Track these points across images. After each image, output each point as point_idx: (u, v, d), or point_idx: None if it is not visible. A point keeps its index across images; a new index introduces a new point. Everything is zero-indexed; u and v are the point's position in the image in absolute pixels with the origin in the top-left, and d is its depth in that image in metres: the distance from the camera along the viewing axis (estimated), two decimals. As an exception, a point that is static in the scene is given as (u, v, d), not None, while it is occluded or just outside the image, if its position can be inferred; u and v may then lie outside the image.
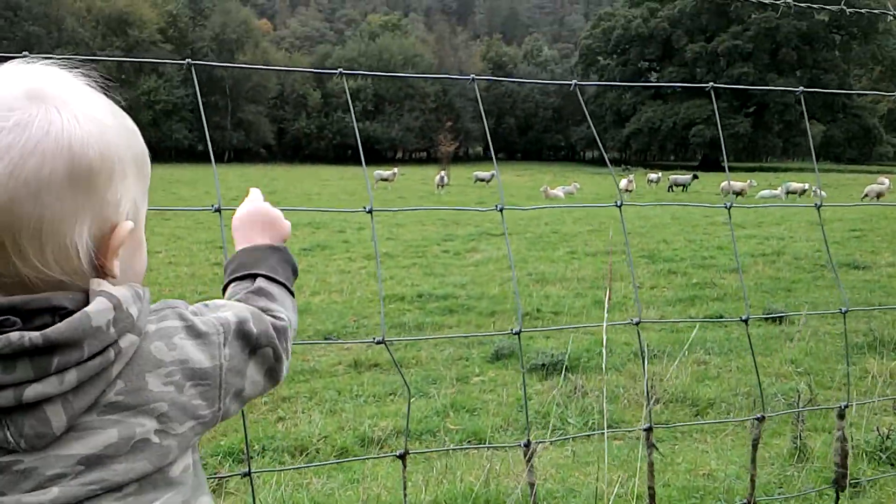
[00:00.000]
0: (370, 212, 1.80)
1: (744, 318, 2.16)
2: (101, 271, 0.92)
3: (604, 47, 78.90)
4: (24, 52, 0.98)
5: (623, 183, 31.85)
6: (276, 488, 3.67)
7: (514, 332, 1.91)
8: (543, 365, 6.28)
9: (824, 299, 9.56)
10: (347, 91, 1.88)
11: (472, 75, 1.92)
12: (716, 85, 2.21)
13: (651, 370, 6.03)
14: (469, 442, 4.75)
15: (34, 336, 0.81)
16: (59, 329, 0.83)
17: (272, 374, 1.12)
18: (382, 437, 4.74)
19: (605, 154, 2.46)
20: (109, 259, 0.92)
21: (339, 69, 1.76)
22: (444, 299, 9.28)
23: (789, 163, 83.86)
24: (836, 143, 76.33)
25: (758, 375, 2.39)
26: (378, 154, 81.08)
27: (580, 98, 2.13)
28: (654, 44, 75.36)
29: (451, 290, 9.76)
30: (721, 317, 8.39)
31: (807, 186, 30.32)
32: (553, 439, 2.51)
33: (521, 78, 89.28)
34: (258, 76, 73.90)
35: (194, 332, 0.99)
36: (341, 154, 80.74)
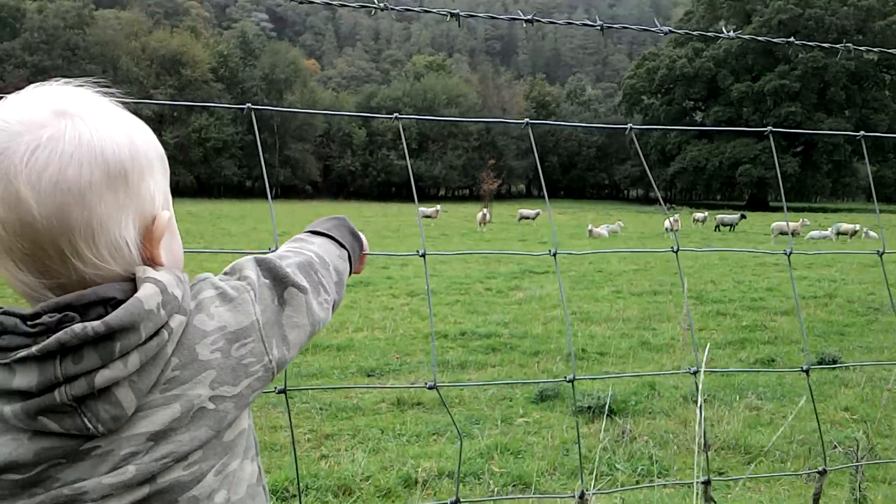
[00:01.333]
0: (423, 255, 1.78)
1: (804, 368, 2.07)
2: (150, 261, 1.01)
3: (648, 87, 78.73)
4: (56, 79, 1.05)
5: (668, 222, 31.46)
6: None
7: (567, 379, 1.86)
8: (589, 407, 6.15)
9: (878, 344, 9.25)
10: (403, 135, 1.87)
11: (526, 119, 1.90)
12: (774, 129, 2.15)
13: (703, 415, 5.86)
14: (514, 486, 4.64)
15: (96, 325, 0.89)
16: (117, 315, 0.90)
17: (311, 311, 1.16)
18: (427, 479, 4.66)
19: (657, 192, 2.40)
20: (155, 248, 1.01)
21: (395, 115, 1.75)
22: (487, 338, 9.20)
23: (838, 203, 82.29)
24: (887, 184, 74.69)
25: (819, 428, 2.28)
26: (421, 191, 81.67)
27: (635, 142, 2.09)
28: (699, 83, 74.97)
29: (495, 329, 9.67)
30: (773, 361, 8.16)
31: (857, 227, 29.61)
32: (608, 490, 2.42)
33: (566, 117, 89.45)
34: (306, 115, 75.29)
35: (226, 298, 1.06)
36: (385, 191, 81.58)
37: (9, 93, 1.00)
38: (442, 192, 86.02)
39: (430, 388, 1.69)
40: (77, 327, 0.88)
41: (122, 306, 0.91)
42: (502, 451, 5.27)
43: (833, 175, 71.52)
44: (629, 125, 2.05)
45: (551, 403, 6.52)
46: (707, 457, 4.04)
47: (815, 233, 29.21)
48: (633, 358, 8.34)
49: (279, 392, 1.44)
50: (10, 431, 0.90)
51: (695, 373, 1.92)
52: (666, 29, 1.96)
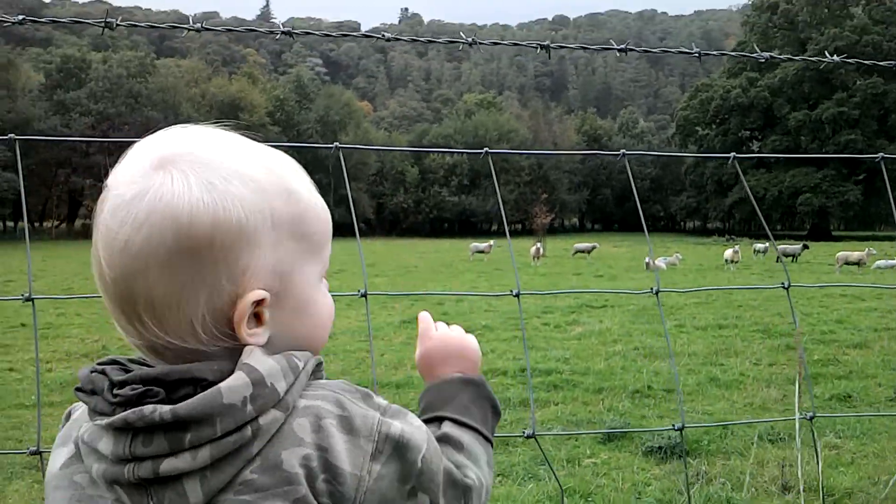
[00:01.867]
0: (517, 295, 1.71)
1: (809, 416, 1.92)
2: (240, 340, 0.89)
3: (702, 118, 77.82)
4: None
5: (728, 253, 30.79)
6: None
7: (676, 427, 1.75)
8: (660, 447, 5.94)
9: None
10: (493, 169, 1.80)
11: (623, 151, 1.83)
12: (885, 155, 2.03)
13: (780, 455, 5.60)
14: (586, 530, 4.47)
15: (164, 411, 0.81)
16: (189, 405, 0.81)
17: None
18: (494, 522, 4.52)
19: (762, 220, 2.29)
20: (238, 330, 0.88)
21: (486, 149, 1.70)
22: (547, 374, 9.02)
23: (905, 231, 79.65)
24: (956, 211, 72.04)
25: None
26: (474, 227, 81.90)
27: (628, 169, 2.00)
28: (754, 112, 73.81)
29: (555, 365, 9.49)
30: (849, 397, 7.81)
31: (927, 256, 28.52)
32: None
33: (615, 149, 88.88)
34: (359, 154, 76.52)
35: (347, 426, 0.87)
36: (437, 227, 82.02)
37: (73, 138, 0.95)
38: (494, 227, 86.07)
39: (528, 437, 1.60)
40: (147, 409, 0.81)
41: (198, 396, 0.82)
42: (570, 493, 5.10)
43: (897, 202, 69.24)
44: (622, 151, 1.95)
45: (619, 443, 6.32)
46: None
47: (881, 262, 28.22)
48: (702, 395, 8.08)
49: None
50: (98, 489, 0.87)
51: (811, 419, 1.79)
52: (766, 55, 1.87)
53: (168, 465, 0.82)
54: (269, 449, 0.84)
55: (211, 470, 0.83)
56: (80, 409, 0.95)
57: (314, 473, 0.84)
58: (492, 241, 37.92)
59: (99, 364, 0.91)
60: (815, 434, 1.72)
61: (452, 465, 0.96)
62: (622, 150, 1.82)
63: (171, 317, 0.86)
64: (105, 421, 0.84)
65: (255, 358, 0.87)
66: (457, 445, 1.01)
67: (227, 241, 0.86)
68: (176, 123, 0.98)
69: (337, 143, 1.39)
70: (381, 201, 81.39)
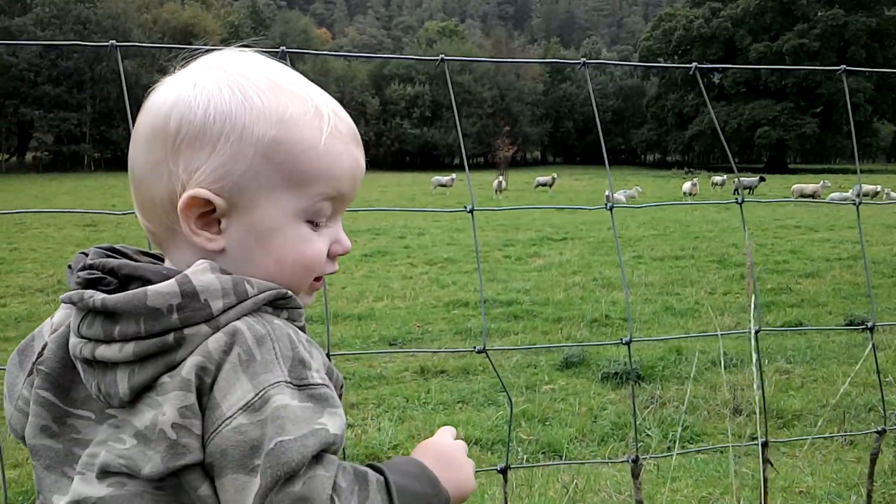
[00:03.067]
0: (471, 211, 1.68)
1: (869, 325, 1.97)
2: (181, 232, 0.94)
3: (664, 48, 77.54)
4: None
5: (687, 186, 31.14)
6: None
7: (624, 341, 1.77)
8: (616, 373, 6.08)
9: (908, 305, 9.10)
10: (449, 78, 1.75)
11: (583, 59, 1.79)
12: (848, 68, 2.02)
13: (732, 379, 5.77)
14: (543, 453, 4.58)
15: (97, 298, 0.86)
16: (115, 298, 0.85)
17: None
18: (454, 447, 4.61)
19: (727, 151, 2.28)
20: (184, 225, 0.92)
21: (441, 55, 1.64)
22: (508, 305, 9.13)
23: (859, 164, 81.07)
24: (909, 143, 73.65)
25: (881, 388, 2.18)
26: (436, 160, 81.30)
27: (699, 80, 1.97)
28: (716, 44, 73.72)
29: (515, 296, 9.59)
30: (800, 324, 8.05)
31: (879, 188, 29.17)
32: (659, 456, 2.34)
33: (580, 82, 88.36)
34: (318, 84, 74.75)
35: (248, 366, 0.83)
36: (399, 160, 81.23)
37: (23, 70, 0.97)
38: (456, 161, 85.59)
39: (478, 352, 1.61)
40: (87, 293, 0.88)
41: (124, 293, 0.86)
42: (530, 418, 5.21)
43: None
44: (582, 59, 1.91)
45: (577, 370, 6.45)
46: (765, 418, 3.98)
47: (835, 194, 28.81)
48: (658, 323, 8.25)
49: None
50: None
51: (756, 332, 1.83)
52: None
53: (101, 351, 0.86)
54: (188, 357, 0.85)
55: (138, 366, 0.85)
56: None
57: (204, 387, 0.83)
58: (454, 175, 37.74)
59: (97, 247, 0.98)
60: (759, 348, 1.76)
61: (334, 489, 0.83)
62: (582, 59, 1.78)
63: (142, 193, 0.95)
64: (63, 296, 0.92)
65: (196, 271, 0.88)
66: (362, 494, 0.87)
67: (190, 135, 0.91)
68: (127, 51, 1.01)
69: (283, 48, 1.32)
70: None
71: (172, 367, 0.84)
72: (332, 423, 0.85)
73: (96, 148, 64.69)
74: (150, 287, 0.86)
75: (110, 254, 0.97)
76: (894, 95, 68.05)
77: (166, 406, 0.83)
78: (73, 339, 0.90)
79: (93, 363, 0.88)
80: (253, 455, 0.81)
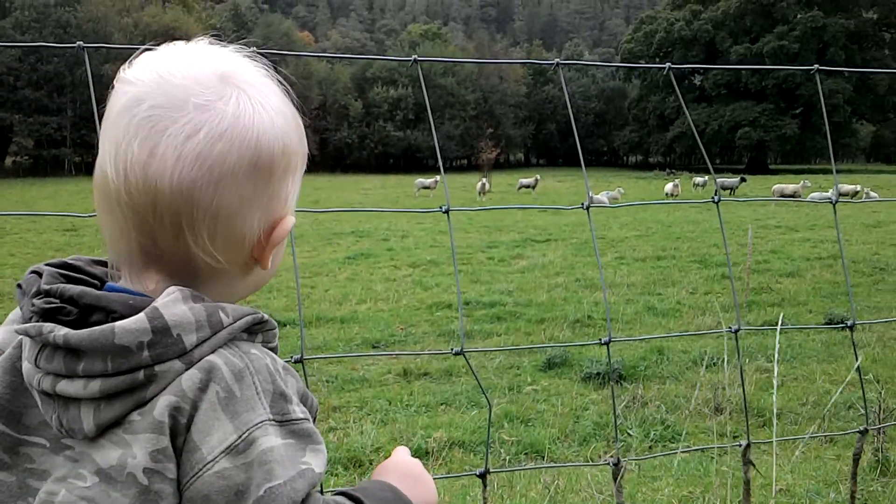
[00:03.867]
0: (446, 211, 1.68)
1: (849, 324, 1.98)
2: (254, 261, 0.92)
3: (646, 51, 77.93)
4: (76, 45, 0.94)
5: (669, 187, 31.31)
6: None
7: (603, 341, 1.77)
8: (598, 374, 6.09)
9: (887, 304, 9.19)
10: (422, 78, 1.75)
11: (557, 60, 1.79)
12: (822, 68, 2.04)
13: (713, 379, 5.80)
14: (526, 454, 4.58)
15: (58, 335, 0.80)
16: (79, 335, 0.80)
17: None
18: (436, 449, 4.60)
19: (704, 153, 2.29)
20: (268, 251, 0.91)
21: (414, 57, 1.64)
22: (491, 307, 9.13)
23: (839, 165, 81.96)
24: (886, 144, 74.46)
25: (862, 387, 2.20)
26: (419, 162, 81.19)
27: (673, 80, 1.97)
28: (697, 46, 74.22)
29: (498, 298, 9.60)
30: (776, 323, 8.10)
31: (858, 188, 29.48)
32: (641, 458, 2.35)
33: (561, 85, 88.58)
34: (300, 87, 74.65)
35: (227, 404, 0.80)
36: (383, 163, 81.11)
37: (1, 73, 0.89)
38: (440, 164, 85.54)
39: (456, 353, 1.60)
40: (46, 327, 0.81)
41: (89, 329, 0.79)
42: (512, 419, 5.21)
43: (832, 136, 71.01)
44: (556, 61, 1.92)
45: (559, 371, 6.46)
46: (746, 419, 4.00)
47: (815, 194, 29.07)
48: (640, 323, 8.28)
49: (296, 361, 1.32)
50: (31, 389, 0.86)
51: (736, 331, 1.83)
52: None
53: (63, 386, 0.81)
54: (158, 396, 0.81)
55: (104, 403, 0.80)
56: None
57: (179, 428, 0.79)
58: (437, 177, 37.75)
59: (46, 264, 0.91)
60: (740, 347, 1.77)
61: None
62: (556, 60, 1.78)
63: (228, 231, 0.86)
64: (18, 327, 0.85)
65: (167, 303, 0.82)
66: None
67: (286, 166, 0.90)
68: (108, 55, 0.95)
69: (254, 49, 1.31)
70: (325, 136, 79.87)
71: (142, 404, 0.80)
72: (316, 461, 0.83)
73: (77, 152, 64.13)
74: (117, 324, 0.80)
75: (66, 274, 0.90)
76: (873, 96, 68.79)
77: (136, 448, 0.79)
78: (27, 367, 0.84)
79: (53, 396, 0.82)
80: (238, 500, 0.78)
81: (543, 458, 4.51)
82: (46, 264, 0.91)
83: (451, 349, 1.67)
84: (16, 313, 0.94)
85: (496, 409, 5.38)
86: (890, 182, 43.53)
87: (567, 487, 3.55)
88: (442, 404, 5.68)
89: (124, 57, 0.95)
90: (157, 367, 0.80)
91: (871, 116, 72.24)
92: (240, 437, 0.79)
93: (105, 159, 0.85)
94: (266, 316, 0.91)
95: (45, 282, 0.87)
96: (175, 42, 0.93)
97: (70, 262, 0.92)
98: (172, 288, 0.84)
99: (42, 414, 0.85)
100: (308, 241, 16.01)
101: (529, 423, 5.16)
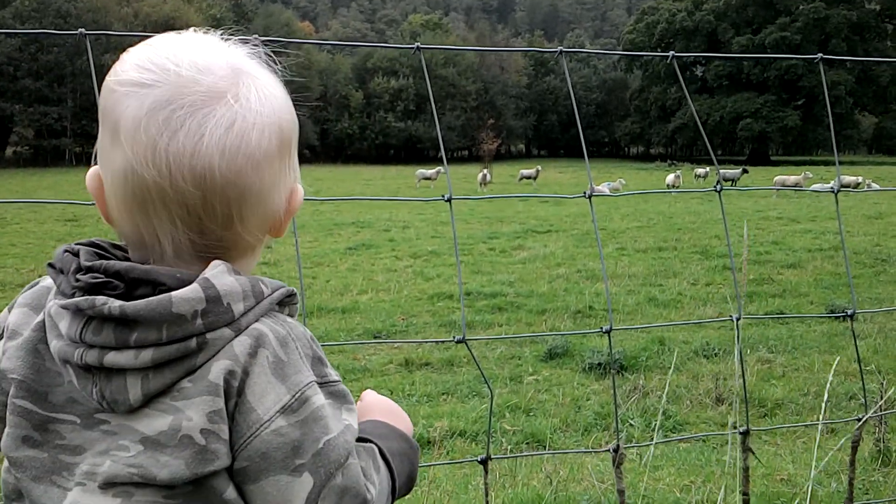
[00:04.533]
0: (448, 200, 1.68)
1: (849, 313, 1.98)
2: (273, 232, 0.97)
3: (647, 42, 77.65)
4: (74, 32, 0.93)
5: (670, 178, 31.27)
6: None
7: (604, 330, 1.77)
8: (599, 364, 6.10)
9: (888, 295, 9.19)
10: (425, 65, 1.74)
11: (560, 48, 1.78)
12: (825, 56, 2.03)
13: (714, 369, 5.81)
14: (528, 443, 4.59)
15: (114, 306, 0.82)
16: (136, 306, 0.82)
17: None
18: (438, 438, 4.61)
19: (707, 143, 2.29)
20: (287, 220, 0.97)
21: (417, 44, 1.63)
22: (492, 297, 9.14)
23: (841, 156, 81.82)
24: (888, 136, 74.30)
25: (862, 377, 2.20)
26: (420, 153, 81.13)
27: (677, 69, 1.97)
28: (699, 37, 73.97)
29: (500, 288, 9.60)
30: (782, 313, 8.11)
31: (860, 180, 29.45)
32: (643, 444, 2.35)
33: (563, 74, 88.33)
34: (301, 78, 74.41)
35: (279, 369, 0.86)
36: (383, 154, 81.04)
37: (2, 63, 0.88)
38: (441, 154, 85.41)
39: (458, 342, 1.60)
40: (98, 300, 0.83)
41: (147, 300, 0.83)
42: (513, 409, 5.22)
43: (835, 128, 70.74)
44: (559, 49, 1.91)
45: (560, 361, 6.47)
46: (746, 407, 4.00)
47: (817, 185, 29.02)
48: (641, 314, 8.29)
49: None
50: (56, 367, 0.89)
51: (737, 320, 1.83)
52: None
53: (111, 358, 0.83)
54: (210, 362, 0.85)
55: (153, 372, 0.84)
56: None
57: (232, 391, 0.84)
58: (439, 168, 37.70)
59: (77, 244, 0.92)
60: (740, 336, 1.78)
61: (363, 472, 0.91)
62: (559, 48, 1.78)
63: (266, 209, 0.92)
64: (62, 302, 0.86)
65: (216, 274, 0.87)
66: (376, 467, 0.95)
67: (295, 140, 0.97)
68: (108, 45, 0.94)
69: (256, 35, 1.30)
70: (326, 127, 79.78)
71: (192, 371, 0.84)
72: (352, 418, 0.92)
73: (77, 142, 64.04)
74: (174, 293, 0.83)
75: (102, 252, 0.93)
76: (875, 88, 68.59)
77: (191, 411, 0.83)
78: (61, 345, 0.86)
79: (93, 369, 0.84)
80: (294, 456, 0.84)
81: (545, 447, 4.52)
82: (78, 244, 0.93)
83: (454, 338, 1.67)
84: (28, 295, 0.96)
85: (497, 399, 5.39)
86: (892, 173, 43.49)
87: (569, 477, 3.55)
88: (443, 394, 5.70)
89: (125, 46, 0.95)
90: (208, 335, 0.84)
91: (873, 108, 72.04)
92: (293, 396, 0.86)
93: (138, 163, 0.85)
94: (294, 289, 0.96)
95: (85, 259, 0.89)
96: (163, 36, 0.94)
97: (97, 241, 0.94)
98: (217, 262, 0.89)
99: (67, 392, 0.88)
100: (309, 231, 16.02)
101: (531, 413, 5.17)
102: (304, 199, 1.28)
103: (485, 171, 34.37)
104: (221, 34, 0.98)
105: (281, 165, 0.93)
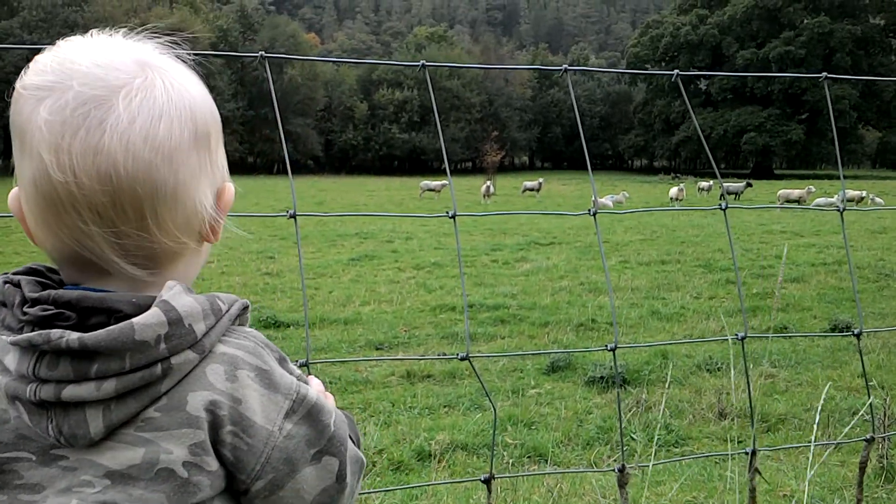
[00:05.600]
0: (453, 216, 1.68)
1: (856, 332, 1.97)
2: (208, 236, 0.92)
3: (652, 55, 77.94)
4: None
5: (674, 191, 31.26)
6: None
7: (609, 347, 1.76)
8: (602, 378, 6.08)
9: (892, 310, 9.16)
10: (430, 84, 1.75)
11: (565, 66, 1.78)
12: (830, 75, 2.03)
13: (717, 384, 5.78)
14: (529, 457, 4.57)
15: (72, 339, 0.78)
16: (97, 336, 0.79)
17: (327, 497, 0.91)
18: (439, 451, 4.60)
19: (710, 157, 2.29)
20: (222, 219, 0.93)
21: (422, 62, 1.64)
22: (495, 309, 9.12)
23: (844, 170, 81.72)
24: (892, 150, 74.30)
25: (869, 394, 2.19)
26: (424, 164, 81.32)
27: (681, 87, 1.97)
28: (703, 51, 74.20)
29: (502, 301, 9.58)
30: (785, 328, 8.08)
31: (864, 194, 29.44)
32: (647, 463, 2.34)
33: (566, 88, 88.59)
34: (306, 89, 74.71)
35: (265, 380, 0.87)
36: (387, 165, 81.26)
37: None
38: (444, 166, 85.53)
39: (462, 359, 1.60)
40: (54, 334, 0.79)
41: (108, 329, 0.79)
42: (515, 422, 5.20)
43: (838, 142, 70.91)
44: (564, 66, 1.91)
45: (563, 374, 6.45)
46: (753, 426, 3.98)
47: (821, 199, 29.01)
48: (644, 327, 8.26)
49: (301, 365, 1.31)
50: (3, 402, 0.83)
51: (742, 339, 1.82)
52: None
53: (70, 392, 0.79)
54: (177, 389, 0.83)
55: (115, 402, 0.80)
56: None
57: (220, 421, 0.83)
58: (445, 182, 37.57)
59: (15, 273, 0.88)
60: (746, 355, 1.77)
61: (349, 438, 0.96)
62: (564, 66, 1.78)
63: (187, 206, 0.87)
64: (10, 338, 0.81)
65: (174, 295, 0.84)
66: (353, 429, 1.00)
67: (217, 134, 0.92)
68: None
69: (262, 52, 1.31)
70: (330, 138, 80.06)
71: (156, 399, 0.82)
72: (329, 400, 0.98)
73: (82, 152, 64.26)
74: (135, 320, 0.80)
75: (43, 280, 0.88)
76: (879, 102, 68.66)
77: (169, 444, 0.81)
78: (6, 381, 0.82)
79: (47, 404, 0.80)
80: (311, 447, 0.88)
81: (547, 461, 4.50)
82: (16, 273, 0.88)
83: (457, 354, 1.67)
84: None
85: (499, 412, 5.37)
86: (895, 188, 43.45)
87: (570, 491, 3.53)
88: (445, 406, 5.67)
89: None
90: (172, 360, 0.81)
91: (877, 122, 72.08)
92: (292, 400, 0.88)
93: (44, 167, 0.80)
94: (248, 302, 0.94)
95: (29, 290, 0.84)
96: (69, 39, 0.89)
97: (35, 267, 0.90)
98: (171, 282, 0.86)
99: (15, 429, 0.83)
100: (312, 242, 16.03)
101: (533, 427, 5.15)
102: (310, 215, 1.28)
103: (488, 182, 34.41)
104: (130, 33, 0.92)
105: (200, 160, 0.88)
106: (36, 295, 0.83)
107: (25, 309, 0.83)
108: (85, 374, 0.79)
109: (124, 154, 0.80)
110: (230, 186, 0.95)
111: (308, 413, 0.88)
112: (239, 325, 0.92)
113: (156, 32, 0.94)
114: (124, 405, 0.81)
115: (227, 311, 0.88)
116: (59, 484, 0.81)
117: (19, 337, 0.80)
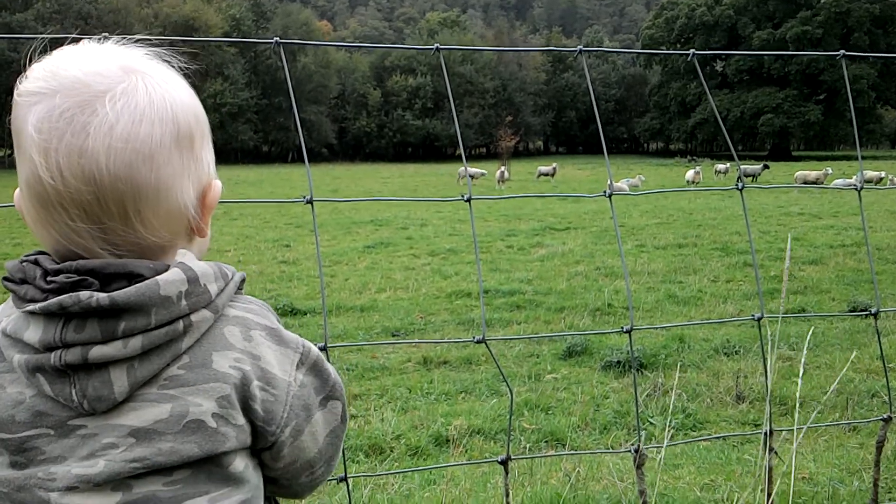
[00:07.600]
0: (468, 200, 1.68)
1: (873, 311, 1.96)
2: (197, 232, 0.97)
3: (667, 37, 77.23)
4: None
5: (690, 174, 31.06)
6: (354, 489, 3.58)
7: (624, 329, 1.76)
8: (618, 362, 6.07)
9: (912, 291, 9.08)
10: (444, 67, 1.74)
11: (579, 47, 1.77)
12: (848, 53, 2.00)
13: (734, 367, 5.76)
14: (546, 442, 4.58)
15: (102, 297, 0.83)
16: (126, 293, 0.84)
17: (334, 437, 1.04)
18: (457, 437, 4.62)
19: (727, 139, 2.27)
20: (206, 216, 0.97)
21: (436, 45, 1.64)
22: (510, 295, 9.12)
23: (863, 151, 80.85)
24: (912, 130, 73.36)
25: (886, 375, 2.17)
26: (438, 151, 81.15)
27: (697, 67, 1.95)
28: (719, 32, 73.42)
29: (518, 286, 9.58)
30: (803, 310, 8.03)
31: (883, 175, 29.11)
32: (663, 444, 2.34)
33: (582, 70, 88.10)
34: (320, 77, 74.65)
35: (276, 337, 0.97)
36: (401, 152, 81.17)
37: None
38: (459, 152, 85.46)
39: (478, 342, 1.60)
40: (83, 294, 0.84)
41: (136, 285, 0.85)
42: (532, 407, 5.21)
43: (857, 122, 69.90)
44: (579, 48, 1.89)
45: (579, 359, 6.45)
46: (768, 408, 3.97)
47: (839, 181, 28.70)
48: (661, 311, 8.24)
49: (321, 349, 1.33)
50: (18, 384, 0.89)
51: (759, 319, 1.82)
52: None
53: (97, 352, 0.84)
54: (198, 348, 0.90)
55: (139, 360, 0.86)
56: None
57: (248, 377, 0.91)
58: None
59: (27, 256, 0.92)
60: (763, 338, 1.77)
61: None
62: (579, 47, 1.77)
63: (170, 204, 0.91)
64: (38, 306, 0.85)
65: (188, 259, 0.92)
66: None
67: (202, 133, 0.96)
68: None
69: (277, 38, 1.31)
70: (343, 125, 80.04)
71: (178, 356, 0.89)
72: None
73: (98, 143, 64.59)
74: (159, 277, 0.87)
75: (54, 258, 0.92)
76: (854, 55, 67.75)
77: (197, 398, 0.88)
78: (25, 357, 0.86)
79: (67, 371, 0.85)
80: (318, 393, 1.00)
81: (564, 446, 4.51)
82: (26, 256, 0.93)
83: (474, 338, 1.68)
84: None
85: (516, 398, 5.38)
86: (916, 168, 42.90)
87: (588, 475, 3.54)
88: (462, 392, 5.69)
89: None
90: (192, 317, 0.88)
91: (895, 102, 71.15)
92: (300, 353, 0.98)
93: (35, 168, 0.86)
94: (245, 273, 1.02)
95: (49, 264, 0.89)
96: (63, 47, 0.94)
97: (46, 251, 0.94)
98: (183, 250, 0.95)
99: (32, 407, 0.87)
100: (327, 230, 16.07)
101: (549, 412, 5.16)
102: (326, 200, 1.30)
103: (503, 168, 34.31)
104: (124, 41, 0.97)
105: (183, 160, 0.92)
106: (58, 266, 0.88)
107: (49, 279, 0.87)
108: (112, 332, 0.84)
109: (106, 155, 0.85)
110: (217, 184, 0.99)
111: (314, 364, 0.99)
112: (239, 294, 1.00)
113: (154, 39, 1.00)
114: (148, 362, 0.87)
115: (233, 278, 0.96)
116: (81, 451, 0.86)
117: (50, 301, 0.84)
